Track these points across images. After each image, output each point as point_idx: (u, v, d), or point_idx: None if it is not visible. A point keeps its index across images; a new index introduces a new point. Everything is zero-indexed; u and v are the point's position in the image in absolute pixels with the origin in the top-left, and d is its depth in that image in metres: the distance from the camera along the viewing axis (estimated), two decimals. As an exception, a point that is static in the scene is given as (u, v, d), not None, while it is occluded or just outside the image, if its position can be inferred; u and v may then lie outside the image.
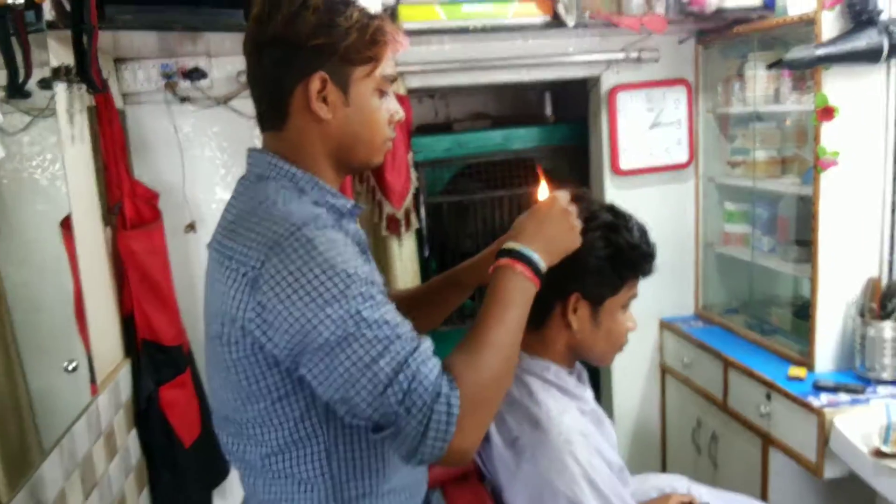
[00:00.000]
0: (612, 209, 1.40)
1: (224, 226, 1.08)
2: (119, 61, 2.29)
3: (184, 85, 2.32)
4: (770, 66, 1.99)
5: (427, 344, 1.02)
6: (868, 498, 2.01)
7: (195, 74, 2.30)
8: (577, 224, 1.22)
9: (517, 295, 1.12)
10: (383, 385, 0.96)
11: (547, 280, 1.30)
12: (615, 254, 1.33)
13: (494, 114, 3.45)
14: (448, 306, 1.52)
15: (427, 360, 0.98)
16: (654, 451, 2.90)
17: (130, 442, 2.12)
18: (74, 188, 1.84)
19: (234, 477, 2.61)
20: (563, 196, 1.23)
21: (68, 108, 1.82)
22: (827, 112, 1.98)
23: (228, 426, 1.13)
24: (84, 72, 1.71)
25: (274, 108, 1.10)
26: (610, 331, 1.39)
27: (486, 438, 1.35)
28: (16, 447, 1.50)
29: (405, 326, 1.00)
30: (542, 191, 1.30)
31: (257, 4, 1.09)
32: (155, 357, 2.17)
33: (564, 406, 1.34)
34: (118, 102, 2.27)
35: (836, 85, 1.98)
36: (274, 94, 1.09)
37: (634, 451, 2.89)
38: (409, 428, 0.96)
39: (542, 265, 1.15)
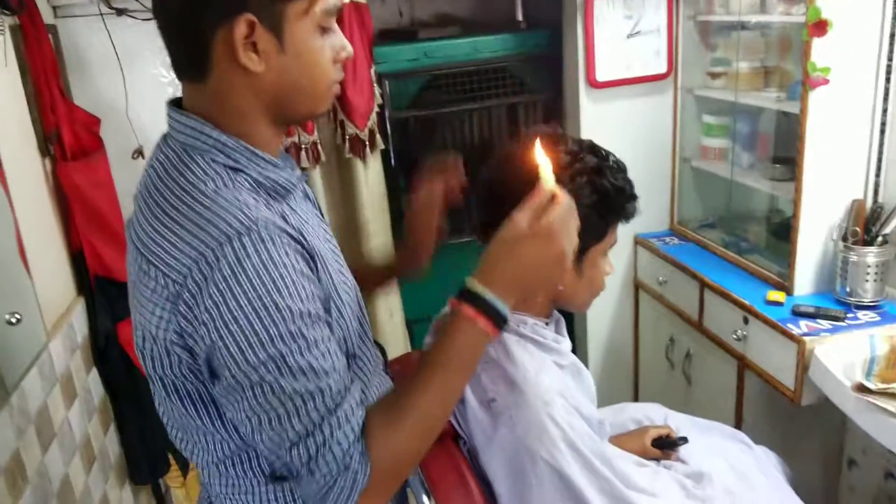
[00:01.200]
0: (594, 149, 1.31)
1: (144, 208, 0.90)
2: (45, -31, 2.05)
3: (120, -5, 2.10)
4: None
5: (350, 402, 0.88)
6: (841, 423, 2.03)
7: (132, -17, 2.08)
8: (571, 248, 0.98)
9: (470, 355, 0.95)
10: (290, 443, 0.85)
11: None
12: (602, 199, 1.25)
13: (462, 15, 3.24)
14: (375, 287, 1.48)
15: (344, 425, 0.86)
16: (627, 366, 2.90)
17: (91, 382, 2.04)
18: (0, 119, 1.67)
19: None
20: (568, 208, 0.97)
21: (-14, 31, 1.62)
22: (819, 26, 1.85)
23: (172, 427, 1.01)
24: (-5, -10, 1.51)
25: (190, 55, 0.89)
26: (592, 279, 1.33)
27: (462, 399, 1.29)
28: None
29: (331, 375, 0.86)
30: (545, 176, 1.00)
31: None
32: (109, 293, 2.06)
33: (541, 363, 1.28)
34: (48, 17, 2.05)
35: (830, -4, 1.85)
36: (187, 38, 0.88)
37: (607, 366, 2.88)
38: (309, 487, 0.88)
39: (508, 313, 0.95)
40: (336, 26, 0.94)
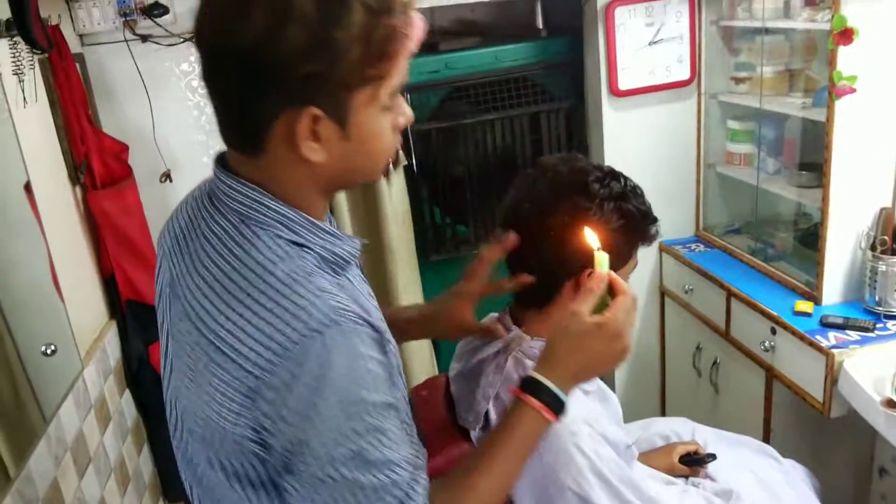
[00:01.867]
0: (615, 175, 1.31)
1: (203, 284, 0.85)
2: (72, 0, 2.09)
3: (144, 23, 2.13)
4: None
5: (420, 487, 0.88)
6: (871, 432, 2.00)
7: (156, 10, 2.11)
8: (629, 341, 1.03)
9: (532, 443, 1.00)
10: None
11: (559, 259, 1.22)
12: (627, 224, 1.27)
13: (482, 22, 3.24)
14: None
15: None
16: (654, 374, 2.89)
17: (124, 404, 2.08)
18: (32, 151, 1.71)
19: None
20: (632, 301, 1.03)
21: (14, 68, 1.66)
22: (845, 35, 1.83)
23: (189, 474, 0.97)
24: (24, 30, 1.54)
25: (243, 133, 0.85)
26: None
27: (487, 424, 1.31)
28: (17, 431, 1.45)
29: (403, 465, 0.86)
30: (600, 262, 1.06)
31: None
32: (141, 317, 2.10)
33: None
34: (75, 46, 2.10)
35: (856, 4, 1.81)
36: (241, 118, 0.83)
37: (634, 374, 2.87)
38: None
39: (568, 402, 1.01)
40: (399, 96, 0.89)
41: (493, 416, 1.30)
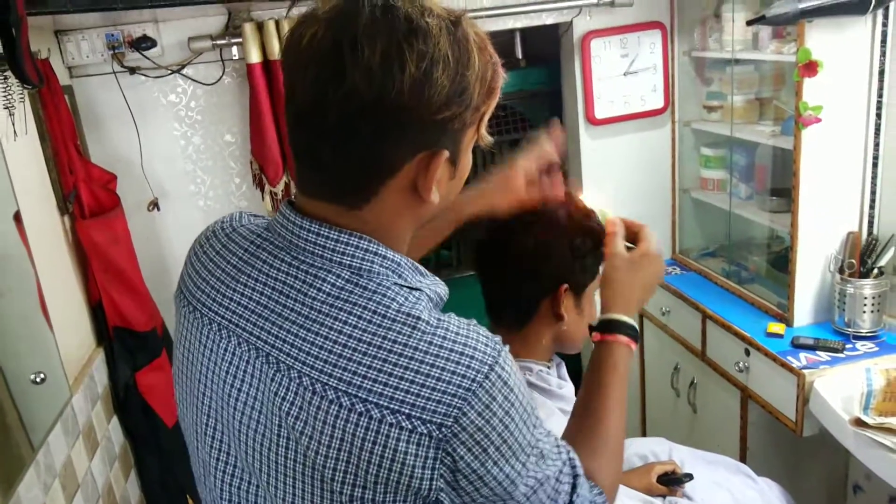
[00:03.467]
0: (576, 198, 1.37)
1: (324, 342, 0.78)
2: (60, 33, 2.13)
3: (132, 55, 2.18)
4: (750, 23, 1.89)
5: (564, 448, 0.90)
6: (845, 450, 2.06)
7: (143, 43, 2.16)
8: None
9: (626, 375, 1.09)
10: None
11: (536, 280, 1.28)
12: (595, 242, 1.31)
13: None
14: (436, 236, 1.33)
15: (586, 481, 0.91)
16: (634, 394, 2.94)
17: (112, 431, 2.10)
18: (22, 182, 1.74)
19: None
20: (649, 229, 1.19)
21: (5, 102, 1.69)
22: (810, 67, 1.91)
23: None
24: (16, 67, 1.58)
25: (358, 185, 0.80)
26: (590, 315, 1.38)
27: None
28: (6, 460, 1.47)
29: (563, 448, 0.90)
30: (605, 215, 1.24)
31: (349, 34, 0.74)
32: (128, 343, 2.12)
33: (548, 411, 1.33)
34: (64, 78, 2.14)
35: (820, 38, 1.90)
36: (367, 169, 0.78)
37: (615, 394, 2.92)
38: None
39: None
40: None
41: None
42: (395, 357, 0.76)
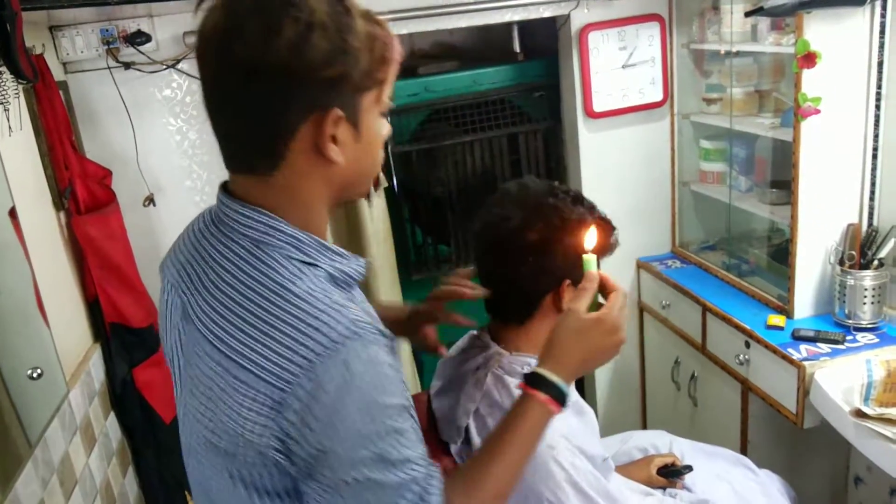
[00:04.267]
0: (565, 188, 1.38)
1: (219, 306, 0.88)
2: (55, 28, 2.12)
3: (127, 50, 2.17)
4: (748, 15, 1.88)
5: (436, 480, 0.93)
6: (845, 442, 2.05)
7: (138, 38, 2.14)
8: (625, 334, 1.10)
9: (539, 433, 1.06)
10: None
11: (538, 276, 1.28)
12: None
13: (461, 46, 3.30)
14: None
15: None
16: (634, 388, 2.94)
17: (109, 426, 2.09)
18: (17, 177, 1.73)
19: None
20: (624, 297, 1.12)
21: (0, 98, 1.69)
22: (809, 58, 1.90)
23: (203, 497, 1.01)
24: (11, 62, 1.57)
25: (262, 149, 0.88)
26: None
27: (467, 441, 1.34)
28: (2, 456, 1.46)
29: (420, 462, 0.91)
30: (590, 263, 1.13)
31: (233, 15, 0.84)
32: (125, 339, 2.11)
33: None
34: (58, 74, 2.12)
35: (819, 29, 1.89)
36: (267, 132, 0.87)
37: (615, 388, 2.92)
38: None
39: (570, 392, 1.08)
40: None
41: (472, 430, 1.33)
42: (258, 321, 0.85)
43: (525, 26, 2.92)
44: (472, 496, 1.00)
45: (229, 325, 0.87)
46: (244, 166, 0.91)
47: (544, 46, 2.79)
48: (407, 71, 2.88)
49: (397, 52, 0.92)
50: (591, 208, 1.36)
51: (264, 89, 0.84)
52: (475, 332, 1.47)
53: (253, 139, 0.88)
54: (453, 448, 1.37)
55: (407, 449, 0.89)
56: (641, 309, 2.82)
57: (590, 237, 1.16)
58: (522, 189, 1.37)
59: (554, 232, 1.29)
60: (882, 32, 1.92)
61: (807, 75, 1.93)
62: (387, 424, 0.86)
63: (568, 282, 1.31)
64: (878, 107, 1.98)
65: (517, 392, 1.33)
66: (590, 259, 1.11)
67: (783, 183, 2.20)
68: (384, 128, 0.97)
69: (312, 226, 0.94)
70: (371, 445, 0.85)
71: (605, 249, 1.36)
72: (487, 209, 1.37)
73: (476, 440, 1.32)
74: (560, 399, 1.05)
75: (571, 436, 1.31)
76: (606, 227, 1.36)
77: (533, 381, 1.06)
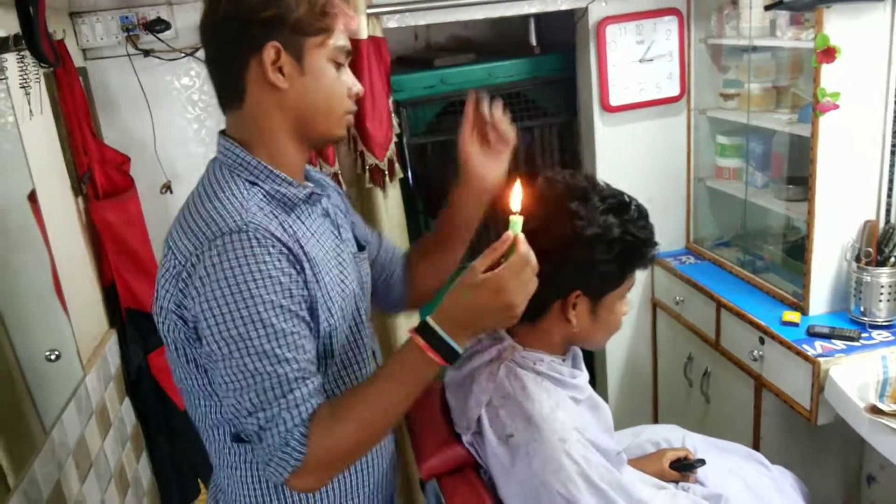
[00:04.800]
0: (610, 194, 1.32)
1: (182, 209, 1.12)
2: (75, 15, 2.13)
3: (146, 38, 2.18)
4: (768, 8, 1.87)
5: (303, 391, 1.04)
6: (859, 440, 2.05)
7: (158, 26, 2.15)
8: (523, 299, 1.07)
9: (413, 377, 1.08)
10: (246, 412, 1.03)
11: (548, 279, 1.25)
12: (623, 251, 1.28)
13: (477, 39, 3.30)
14: (457, 245, 1.43)
15: (292, 409, 1.02)
16: (647, 384, 2.93)
17: (124, 411, 2.11)
18: (37, 161, 1.76)
19: (230, 429, 2.62)
20: (522, 261, 1.06)
21: (21, 81, 1.70)
22: (828, 53, 1.89)
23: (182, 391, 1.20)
24: (33, 45, 1.58)
25: (230, 85, 1.12)
26: (608, 322, 1.37)
27: (480, 432, 1.34)
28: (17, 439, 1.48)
29: (292, 364, 1.03)
30: (513, 224, 1.10)
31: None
32: (141, 325, 2.13)
33: (558, 400, 1.32)
34: (78, 60, 2.14)
35: (838, 23, 1.88)
36: (229, 70, 1.11)
37: (626, 384, 2.91)
38: (258, 453, 1.05)
39: (460, 350, 1.07)
40: (347, 68, 1.17)
41: (485, 421, 1.33)
42: (188, 215, 1.07)
43: (541, 19, 2.92)
44: (336, 422, 1.05)
45: (177, 221, 1.10)
46: (223, 106, 1.15)
47: (561, 40, 2.78)
48: (423, 63, 2.88)
49: (341, 11, 1.13)
50: (624, 220, 1.28)
51: (223, 36, 1.09)
52: None
53: (221, 80, 1.13)
54: (465, 438, 1.37)
55: (280, 348, 1.02)
56: (655, 305, 2.81)
57: (514, 197, 1.11)
58: (550, 187, 1.32)
59: (567, 243, 1.26)
60: (903, 28, 1.91)
61: (826, 70, 1.92)
62: (255, 313, 1.00)
63: (577, 293, 1.30)
64: (897, 103, 1.96)
65: (530, 386, 1.33)
66: (515, 220, 1.09)
67: (800, 179, 2.19)
68: (344, 77, 1.15)
69: (279, 158, 1.13)
70: (238, 326, 1.00)
71: (637, 265, 1.33)
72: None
73: (488, 431, 1.32)
74: (443, 352, 1.06)
75: (583, 429, 1.30)
76: (640, 243, 1.30)
77: (418, 327, 1.08)
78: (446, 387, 1.48)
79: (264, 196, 1.10)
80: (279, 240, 1.04)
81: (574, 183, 1.32)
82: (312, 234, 1.15)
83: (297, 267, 1.07)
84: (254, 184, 1.10)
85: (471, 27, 3.29)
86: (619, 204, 1.31)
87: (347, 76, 1.16)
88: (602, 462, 1.29)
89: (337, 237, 1.24)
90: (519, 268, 1.06)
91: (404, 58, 3.16)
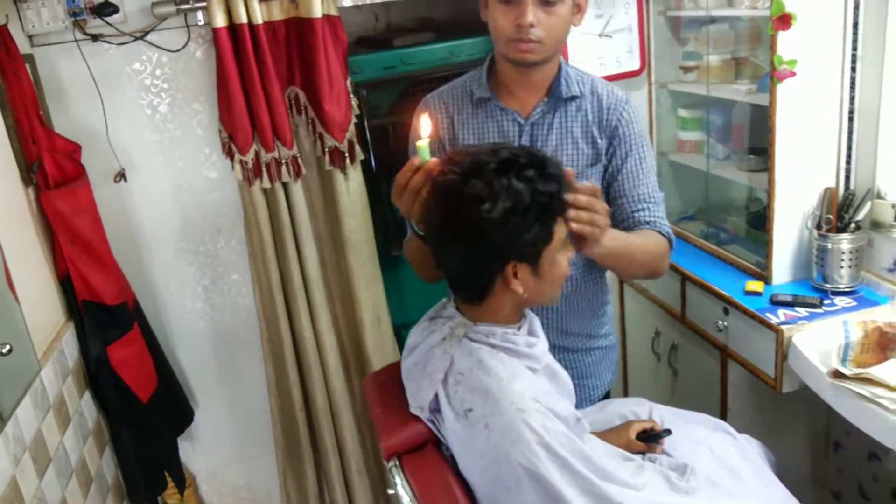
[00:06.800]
0: (503, 156, 1.27)
1: None
2: (20, 0, 2.06)
3: (94, 22, 2.12)
4: (722, -26, 1.87)
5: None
6: (825, 407, 2.06)
7: (105, 9, 2.09)
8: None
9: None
10: None
11: (479, 262, 1.25)
12: (540, 211, 1.25)
13: (438, 18, 3.26)
14: None
15: None
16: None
17: (84, 405, 2.07)
18: (-18, 152, 1.70)
19: (199, 421, 2.59)
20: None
21: (-39, 67, 1.65)
22: (784, 20, 1.88)
23: None
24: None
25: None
26: (554, 275, 1.35)
27: (439, 409, 1.33)
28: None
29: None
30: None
31: None
32: (98, 317, 2.08)
33: (514, 370, 1.31)
34: (25, 47, 2.08)
35: (793, -11, 1.88)
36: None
37: (596, 361, 2.91)
38: None
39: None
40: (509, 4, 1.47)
41: (442, 398, 1.32)
42: None
43: (502, -3, 2.89)
44: None
45: None
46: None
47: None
48: (383, 44, 2.84)
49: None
50: (527, 179, 1.24)
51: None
52: (445, 300, 1.46)
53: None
54: (424, 416, 1.35)
55: None
56: (621, 281, 2.81)
57: (423, 125, 1.31)
58: (455, 177, 1.26)
59: (481, 227, 1.23)
60: (857, -7, 1.91)
61: (782, 37, 1.91)
62: None
63: (513, 263, 1.28)
64: (853, 69, 1.97)
65: (485, 358, 1.31)
66: (422, 146, 1.28)
67: (761, 150, 2.19)
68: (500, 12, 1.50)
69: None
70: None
71: (562, 210, 1.29)
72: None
73: (446, 408, 1.31)
74: None
75: (541, 397, 1.29)
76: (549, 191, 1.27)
77: None
78: (403, 371, 1.47)
79: None
80: None
81: (465, 160, 1.27)
82: None
83: None
84: None
85: (433, 8, 3.24)
86: (517, 163, 1.25)
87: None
88: (562, 430, 1.28)
89: None
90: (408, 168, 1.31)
91: (364, 39, 3.12)
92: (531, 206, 1.24)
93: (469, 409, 1.28)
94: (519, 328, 1.40)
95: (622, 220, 1.63)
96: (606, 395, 1.91)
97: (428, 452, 1.33)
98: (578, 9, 1.56)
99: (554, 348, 1.59)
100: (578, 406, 1.74)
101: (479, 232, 1.23)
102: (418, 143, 1.26)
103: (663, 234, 1.62)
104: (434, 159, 1.28)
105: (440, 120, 1.68)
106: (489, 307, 1.35)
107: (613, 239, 1.41)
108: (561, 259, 1.34)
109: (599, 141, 1.63)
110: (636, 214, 1.63)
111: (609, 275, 1.83)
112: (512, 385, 1.27)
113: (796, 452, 2.33)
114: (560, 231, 1.31)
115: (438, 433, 1.35)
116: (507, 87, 1.64)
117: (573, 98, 1.62)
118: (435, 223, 1.31)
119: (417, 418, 1.37)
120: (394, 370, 1.52)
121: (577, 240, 1.33)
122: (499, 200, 1.22)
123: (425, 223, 1.35)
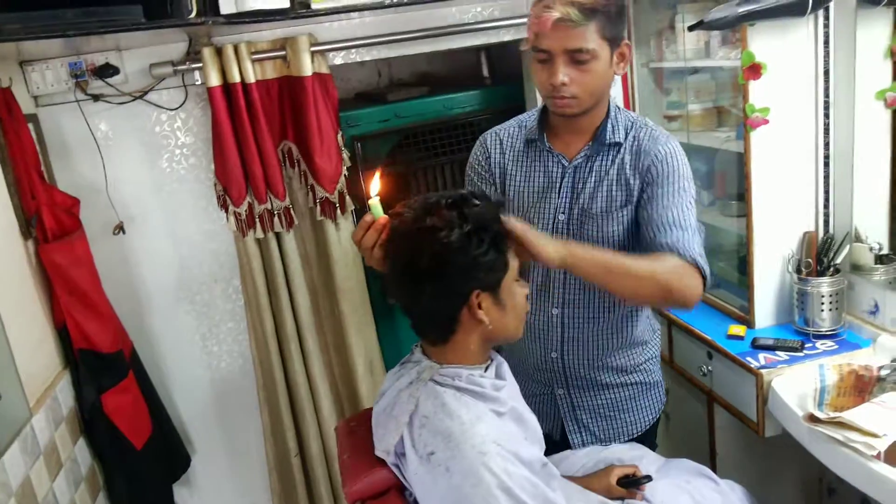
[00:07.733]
0: (452, 195, 1.35)
1: None
2: (25, 63, 2.18)
3: (96, 83, 2.23)
4: (691, 28, 1.92)
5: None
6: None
7: (106, 71, 2.21)
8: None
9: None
10: None
11: (444, 294, 1.29)
12: (492, 237, 1.31)
13: (438, 73, 3.36)
14: None
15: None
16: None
17: (78, 452, 2.11)
18: (-18, 207, 1.79)
19: (197, 467, 2.62)
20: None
21: (-37, 128, 1.74)
22: (754, 69, 1.94)
23: None
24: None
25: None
26: (514, 306, 1.39)
27: (403, 454, 1.35)
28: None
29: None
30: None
31: None
32: (93, 365, 2.14)
33: (478, 413, 1.33)
34: (29, 107, 2.19)
35: (763, 41, 1.93)
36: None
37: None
38: None
39: None
40: (545, 63, 1.56)
41: (407, 441, 1.34)
42: None
43: (493, 53, 2.98)
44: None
45: None
46: None
47: (511, 71, 2.84)
48: (378, 98, 2.94)
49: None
50: (474, 209, 1.31)
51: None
52: (415, 345, 1.50)
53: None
54: (389, 460, 1.38)
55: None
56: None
57: (373, 184, 1.37)
58: (410, 217, 1.34)
59: (444, 255, 1.28)
60: (826, 41, 1.96)
61: (754, 86, 1.96)
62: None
63: (477, 291, 1.32)
64: (826, 115, 2.00)
65: (449, 402, 1.34)
66: (374, 203, 1.33)
67: (743, 195, 2.22)
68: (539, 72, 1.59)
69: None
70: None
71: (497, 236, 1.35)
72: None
73: (410, 451, 1.33)
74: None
75: (504, 441, 1.30)
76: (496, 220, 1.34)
77: None
78: (373, 416, 1.49)
79: None
80: None
81: (420, 203, 1.35)
82: None
83: None
84: None
85: (433, 63, 3.35)
86: (462, 198, 1.33)
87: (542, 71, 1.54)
88: (525, 474, 1.29)
89: None
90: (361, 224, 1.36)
91: (364, 94, 3.22)
92: (486, 231, 1.30)
93: (431, 452, 1.30)
94: (486, 369, 1.42)
95: (645, 246, 1.60)
96: (648, 433, 1.89)
97: (391, 498, 1.35)
98: (622, 58, 1.58)
99: (577, 378, 1.75)
100: (607, 441, 1.83)
101: (441, 260, 1.28)
102: (370, 202, 1.30)
103: (686, 259, 1.53)
104: (384, 216, 1.33)
105: (493, 155, 1.79)
106: (456, 346, 1.38)
107: (574, 255, 1.41)
108: (517, 290, 1.38)
109: (632, 181, 1.63)
110: (656, 238, 1.56)
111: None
112: (474, 428, 1.29)
113: (790, 498, 2.30)
114: (513, 262, 1.36)
115: (402, 478, 1.37)
116: (555, 131, 1.70)
117: (616, 144, 1.66)
118: (398, 266, 1.35)
119: (384, 463, 1.39)
120: (366, 416, 1.54)
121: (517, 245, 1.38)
122: (455, 227, 1.28)
123: (387, 271, 1.39)
